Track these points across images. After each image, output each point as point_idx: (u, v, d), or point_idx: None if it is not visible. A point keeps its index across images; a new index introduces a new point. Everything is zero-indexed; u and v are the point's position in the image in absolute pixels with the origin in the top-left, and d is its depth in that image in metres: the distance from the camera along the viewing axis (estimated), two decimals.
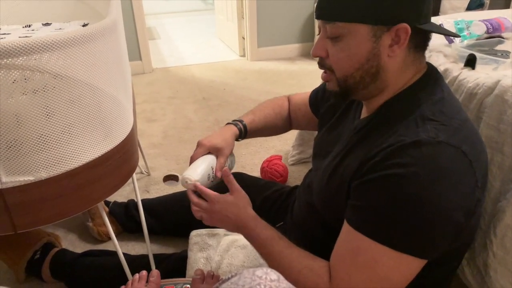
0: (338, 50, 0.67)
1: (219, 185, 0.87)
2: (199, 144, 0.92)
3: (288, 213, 1.00)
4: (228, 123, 0.98)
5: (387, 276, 0.61)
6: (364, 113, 0.76)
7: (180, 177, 0.86)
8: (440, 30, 0.69)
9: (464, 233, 0.65)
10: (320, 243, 0.74)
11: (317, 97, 0.99)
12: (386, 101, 0.70)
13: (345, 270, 0.64)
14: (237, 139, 0.98)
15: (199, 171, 0.85)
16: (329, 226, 0.75)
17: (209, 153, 0.90)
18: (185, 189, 0.83)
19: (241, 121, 0.99)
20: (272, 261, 0.73)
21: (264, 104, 1.08)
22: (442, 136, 0.60)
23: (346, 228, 0.66)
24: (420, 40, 0.67)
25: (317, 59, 0.72)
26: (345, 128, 0.80)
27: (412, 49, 0.66)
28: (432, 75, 0.70)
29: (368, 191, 0.63)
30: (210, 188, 0.82)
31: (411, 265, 0.61)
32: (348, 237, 0.65)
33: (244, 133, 0.99)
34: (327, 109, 0.91)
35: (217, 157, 0.89)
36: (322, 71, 0.73)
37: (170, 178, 0.90)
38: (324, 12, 0.67)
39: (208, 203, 0.79)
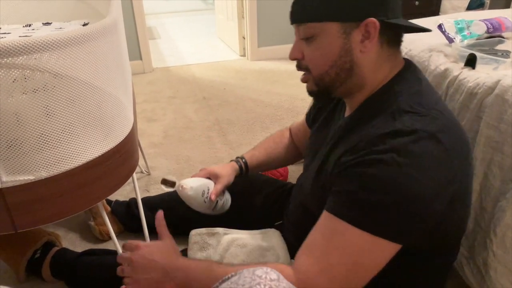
0: (312, 49, 0.70)
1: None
2: (200, 169, 1.01)
3: (285, 213, 1.00)
4: (231, 160, 1.07)
5: (361, 259, 0.62)
6: (347, 112, 0.78)
7: (177, 182, 0.93)
8: (411, 24, 0.71)
9: (447, 222, 0.66)
10: None
11: (310, 111, 1.01)
12: (366, 98, 0.72)
13: (317, 254, 0.64)
14: (240, 175, 1.05)
15: (196, 183, 0.94)
16: None
17: (209, 178, 0.99)
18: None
19: (241, 158, 1.06)
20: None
21: (266, 139, 1.14)
22: (417, 125, 0.61)
23: (322, 215, 0.67)
24: (392, 35, 0.69)
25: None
26: (331, 128, 0.82)
27: (385, 44, 0.69)
28: (409, 70, 0.72)
29: (344, 177, 0.65)
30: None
31: (385, 249, 0.62)
32: (324, 222, 0.66)
33: (245, 168, 1.06)
34: (315, 113, 0.95)
35: (215, 183, 0.98)
36: (303, 73, 0.76)
37: (168, 182, 0.95)
38: (296, 15, 0.71)
39: (133, 250, 0.75)
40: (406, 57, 1.12)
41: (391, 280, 0.73)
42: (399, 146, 0.60)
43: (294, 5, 0.72)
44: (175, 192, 1.01)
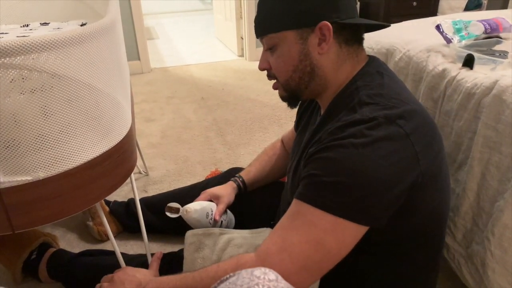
0: (276, 58, 0.76)
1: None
2: (201, 192, 1.05)
3: (277, 214, 1.02)
4: (229, 180, 1.11)
5: (323, 240, 0.62)
6: (321, 113, 0.81)
7: (181, 208, 0.98)
8: (368, 22, 0.74)
9: (416, 208, 0.67)
10: None
11: (296, 118, 1.03)
12: (333, 97, 0.75)
13: (278, 234, 0.65)
14: (239, 193, 1.09)
15: (199, 206, 0.98)
16: None
17: (210, 201, 1.03)
18: (187, 186, 0.92)
19: (239, 177, 1.11)
20: (198, 284, 0.70)
21: (260, 154, 1.18)
22: (376, 113, 0.63)
23: (291, 204, 0.68)
24: (349, 34, 0.73)
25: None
26: (308, 130, 0.84)
27: (343, 44, 0.73)
28: (371, 65, 0.75)
29: (308, 165, 0.67)
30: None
31: (347, 231, 0.62)
32: (290, 208, 0.67)
33: (244, 186, 1.10)
34: (299, 119, 0.98)
35: (217, 204, 1.02)
36: (274, 81, 0.80)
37: (172, 209, 1.00)
38: (258, 29, 0.77)
39: (123, 267, 0.85)
40: (404, 57, 1.14)
41: (375, 274, 0.74)
42: (357, 132, 0.62)
43: (255, 20, 0.77)
44: (174, 192, 1.01)
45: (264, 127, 2.09)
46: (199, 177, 1.65)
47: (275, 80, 0.80)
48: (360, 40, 0.76)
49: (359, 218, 0.62)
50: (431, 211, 0.70)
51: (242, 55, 3.36)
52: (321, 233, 0.62)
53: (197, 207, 0.98)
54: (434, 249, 0.78)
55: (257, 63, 0.81)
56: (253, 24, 0.79)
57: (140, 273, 0.81)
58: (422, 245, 0.74)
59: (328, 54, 0.72)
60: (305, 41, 0.71)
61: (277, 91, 0.82)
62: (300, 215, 0.64)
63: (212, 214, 0.99)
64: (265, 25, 0.75)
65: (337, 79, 0.74)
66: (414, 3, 2.92)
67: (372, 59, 0.76)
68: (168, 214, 0.99)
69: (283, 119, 2.15)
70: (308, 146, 0.74)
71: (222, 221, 1.02)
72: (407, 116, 0.64)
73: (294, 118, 1.03)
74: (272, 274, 0.41)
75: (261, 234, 0.93)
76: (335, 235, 0.62)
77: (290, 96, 0.80)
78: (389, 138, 0.61)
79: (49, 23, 1.29)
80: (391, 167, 0.61)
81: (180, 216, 1.00)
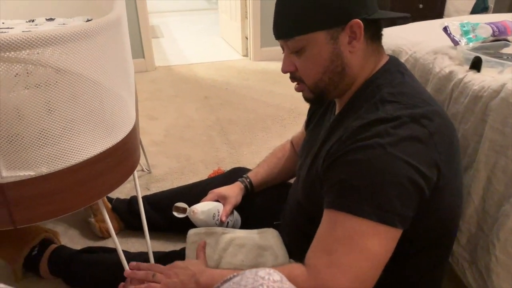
0: (304, 60, 0.72)
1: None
2: (208, 192, 1.05)
3: (282, 214, 1.01)
4: (237, 180, 1.10)
5: (366, 246, 0.61)
6: (337, 110, 0.80)
7: (188, 209, 0.98)
8: (389, 15, 0.73)
9: (434, 211, 0.66)
10: (309, 240, 0.74)
11: (307, 118, 1.02)
12: (353, 93, 0.74)
13: (322, 247, 0.64)
14: (247, 194, 1.08)
15: (206, 207, 0.98)
16: (317, 222, 0.75)
17: (217, 201, 1.03)
18: (190, 184, 0.94)
19: (246, 177, 1.10)
20: None
21: (269, 155, 1.17)
22: (400, 112, 0.63)
23: (323, 214, 0.67)
24: (374, 30, 0.72)
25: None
26: (323, 128, 0.84)
27: (369, 40, 0.72)
28: (392, 64, 0.74)
29: (334, 168, 0.65)
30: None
31: (388, 234, 0.62)
32: (325, 218, 0.66)
33: (251, 187, 1.09)
34: (310, 117, 0.97)
35: (224, 205, 1.01)
36: (295, 83, 0.77)
37: (179, 209, 1.00)
38: (281, 31, 0.73)
39: (173, 263, 0.81)
40: (410, 59, 1.13)
41: (382, 276, 0.73)
42: (382, 131, 0.61)
43: (277, 22, 0.73)
44: (176, 190, 1.00)
45: (267, 127, 2.08)
46: (202, 176, 1.64)
47: (296, 82, 0.78)
48: (380, 36, 0.75)
49: (395, 221, 0.61)
50: (446, 215, 0.70)
51: (246, 55, 3.35)
52: (364, 240, 0.61)
53: (204, 208, 0.97)
54: (443, 253, 0.77)
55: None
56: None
57: (192, 265, 0.79)
58: (431, 249, 0.73)
59: (356, 52, 0.70)
60: (336, 40, 0.68)
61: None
62: (338, 225, 0.63)
63: (218, 215, 0.99)
64: (291, 27, 0.70)
65: (361, 77, 0.73)
66: (420, 6, 2.91)
67: (393, 58, 0.76)
68: (175, 214, 0.99)
69: (286, 120, 2.15)
70: (326, 143, 0.73)
71: (228, 222, 1.01)
72: (430, 116, 0.64)
73: (297, 119, 1.03)
74: (276, 275, 0.40)
75: (264, 235, 0.93)
76: (378, 240, 0.61)
77: (317, 98, 0.77)
78: (414, 138, 0.61)
79: (54, 18, 1.29)
80: (419, 166, 0.60)
81: (180, 219, 1.00)
